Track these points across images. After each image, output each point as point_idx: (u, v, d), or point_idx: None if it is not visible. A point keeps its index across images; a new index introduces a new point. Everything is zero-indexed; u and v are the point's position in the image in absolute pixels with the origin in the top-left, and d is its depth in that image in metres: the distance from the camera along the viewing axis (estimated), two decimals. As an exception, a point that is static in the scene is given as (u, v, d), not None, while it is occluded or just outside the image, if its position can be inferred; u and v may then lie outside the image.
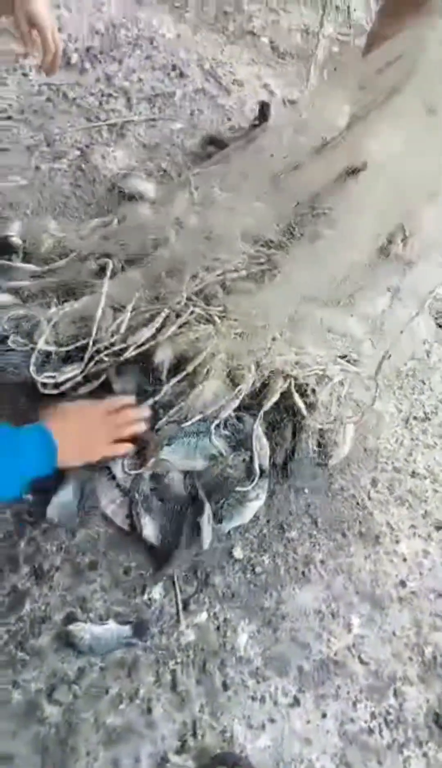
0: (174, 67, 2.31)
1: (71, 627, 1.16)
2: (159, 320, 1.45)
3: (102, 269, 1.52)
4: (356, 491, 1.47)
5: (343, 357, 1.59)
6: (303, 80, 2.48)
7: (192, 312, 1.48)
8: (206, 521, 1.30)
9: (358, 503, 1.46)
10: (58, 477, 1.24)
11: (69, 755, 1.08)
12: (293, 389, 1.47)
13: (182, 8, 2.57)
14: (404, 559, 1.41)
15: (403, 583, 1.37)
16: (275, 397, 1.45)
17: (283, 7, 2.65)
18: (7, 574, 1.21)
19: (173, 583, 1.26)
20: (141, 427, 1.28)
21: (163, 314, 1.47)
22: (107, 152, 2.00)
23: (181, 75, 2.32)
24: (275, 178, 2.05)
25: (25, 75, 2.14)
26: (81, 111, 2.09)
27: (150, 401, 1.36)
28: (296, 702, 1.20)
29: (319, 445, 1.48)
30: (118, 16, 2.43)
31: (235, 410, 1.44)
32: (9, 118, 2.04)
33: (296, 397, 1.45)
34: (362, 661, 1.27)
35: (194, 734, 1.13)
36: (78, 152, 1.96)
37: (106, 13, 2.41)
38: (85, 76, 2.20)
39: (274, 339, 1.51)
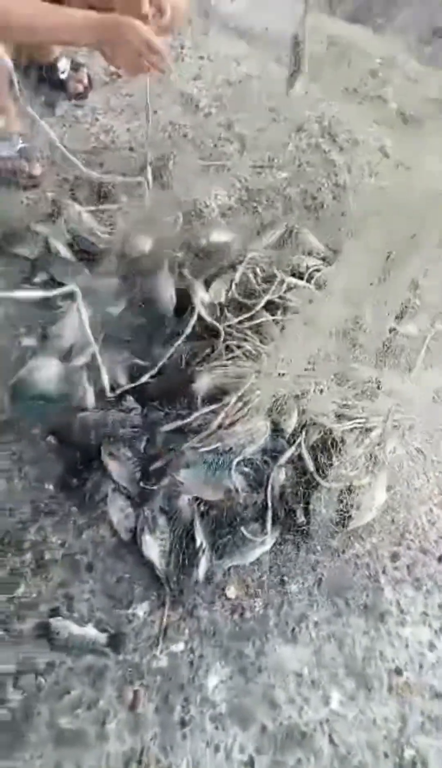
0: (294, 121, 2.47)
1: (53, 621, 1.24)
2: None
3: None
4: (372, 562, 1.43)
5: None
6: (423, 145, 2.54)
7: (239, 346, 1.56)
8: (203, 555, 1.34)
9: (370, 575, 1.42)
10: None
11: (18, 743, 1.13)
12: (305, 448, 1.48)
13: (317, 68, 2.75)
14: (407, 646, 1.34)
15: (399, 671, 1.31)
16: (289, 451, 1.47)
17: (417, 78, 2.74)
18: (10, 557, 1.31)
19: (163, 603, 1.30)
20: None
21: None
22: (210, 188, 2.16)
23: (299, 129, 2.46)
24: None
25: (155, 112, 2.39)
26: (196, 150, 2.29)
27: (179, 423, 1.44)
28: (250, 762, 1.17)
29: (342, 504, 1.47)
30: (253, 70, 2.65)
31: (264, 452, 1.48)
32: (131, 149, 2.28)
33: (306, 456, 1.46)
34: (331, 741, 1.21)
35: (140, 762, 1.15)
36: (184, 184, 2.14)
37: (242, 67, 2.64)
38: (208, 119, 2.42)
39: (320, 388, 1.54)
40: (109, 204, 2.00)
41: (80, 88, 2.31)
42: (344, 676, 1.28)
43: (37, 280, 1.73)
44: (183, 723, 1.19)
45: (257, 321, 1.66)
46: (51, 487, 1.40)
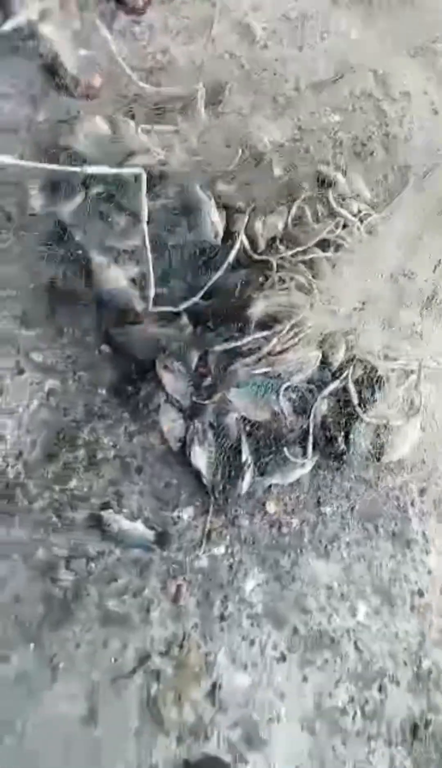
0: (350, 66, 2.44)
1: (104, 513, 1.30)
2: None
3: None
4: (402, 494, 1.52)
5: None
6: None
7: (292, 278, 1.59)
8: (249, 469, 1.40)
9: (399, 505, 1.50)
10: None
11: (67, 618, 1.21)
12: (349, 382, 1.53)
13: (375, 15, 2.69)
14: (429, 572, 1.43)
15: (421, 593, 1.40)
16: (335, 383, 1.53)
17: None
18: (63, 452, 1.36)
19: (207, 511, 1.36)
20: None
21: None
22: (265, 123, 2.14)
23: (354, 73, 2.43)
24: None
25: (213, 40, 2.33)
26: (251, 82, 2.25)
27: (232, 344, 1.48)
28: (282, 658, 1.27)
29: (378, 439, 1.54)
30: (311, 9, 2.58)
31: (310, 382, 1.53)
32: (187, 72, 2.24)
33: (352, 390, 1.52)
34: (356, 647, 1.32)
35: (181, 647, 1.23)
36: (239, 116, 2.12)
37: (300, 3, 2.58)
38: (264, 53, 2.37)
39: (367, 328, 1.59)
40: (165, 125, 1.98)
41: (140, 2, 2.25)
42: (370, 592, 1.37)
43: (92, 192, 1.72)
44: (222, 617, 1.27)
45: (310, 256, 1.69)
46: (104, 392, 1.44)
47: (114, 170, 1.41)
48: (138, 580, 1.28)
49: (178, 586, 1.29)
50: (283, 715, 1.22)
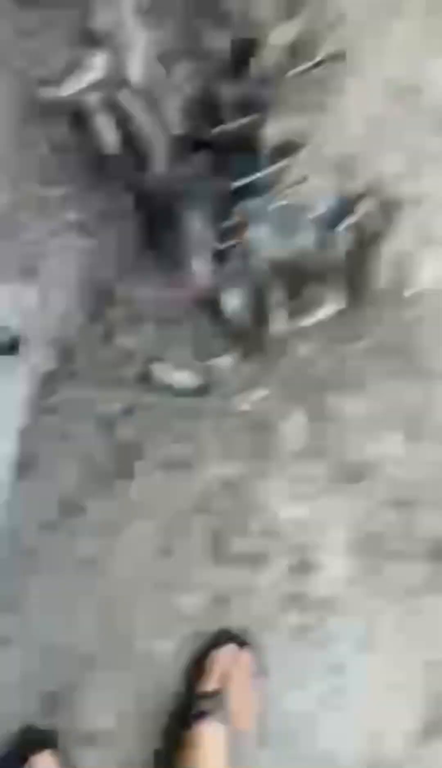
0: None
1: (153, 366, 1.32)
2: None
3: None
4: (429, 326, 1.52)
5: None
6: None
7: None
8: (278, 309, 1.40)
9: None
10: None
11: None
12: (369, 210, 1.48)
13: None
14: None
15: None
16: (354, 218, 1.48)
17: None
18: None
19: (245, 356, 1.38)
20: None
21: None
22: None
23: None
24: None
25: None
26: None
27: (251, 179, 1.39)
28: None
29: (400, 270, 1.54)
30: None
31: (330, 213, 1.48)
32: None
33: (371, 219, 1.47)
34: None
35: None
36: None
37: None
38: None
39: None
40: None
41: None
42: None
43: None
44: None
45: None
46: (134, 246, 1.38)
47: None
48: (191, 424, 1.32)
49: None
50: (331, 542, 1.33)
